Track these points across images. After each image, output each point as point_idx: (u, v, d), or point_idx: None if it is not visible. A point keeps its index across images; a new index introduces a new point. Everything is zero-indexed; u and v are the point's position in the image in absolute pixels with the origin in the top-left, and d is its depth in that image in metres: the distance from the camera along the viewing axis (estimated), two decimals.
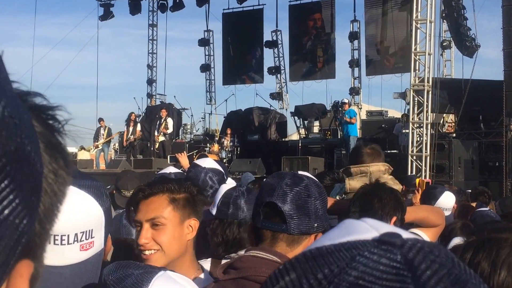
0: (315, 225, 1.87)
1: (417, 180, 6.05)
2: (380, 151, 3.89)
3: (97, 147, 20.96)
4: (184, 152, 6.99)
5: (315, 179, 1.97)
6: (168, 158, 18.06)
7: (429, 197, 5.14)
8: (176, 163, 7.83)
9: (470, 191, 8.13)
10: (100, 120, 21.23)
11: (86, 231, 1.47)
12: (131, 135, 20.64)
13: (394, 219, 2.82)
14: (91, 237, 1.49)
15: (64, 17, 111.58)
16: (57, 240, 1.43)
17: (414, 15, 15.67)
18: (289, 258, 1.79)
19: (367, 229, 0.65)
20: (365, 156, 3.69)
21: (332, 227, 2.43)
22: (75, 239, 1.45)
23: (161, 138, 20.20)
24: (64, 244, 1.44)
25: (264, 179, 2.09)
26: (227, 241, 2.58)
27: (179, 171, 4.43)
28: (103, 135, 20.81)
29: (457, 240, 3.15)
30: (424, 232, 3.40)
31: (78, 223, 1.45)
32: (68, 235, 1.44)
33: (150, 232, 2.07)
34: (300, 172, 1.98)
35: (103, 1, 28.03)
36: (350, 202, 2.91)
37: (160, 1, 28.14)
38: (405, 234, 0.62)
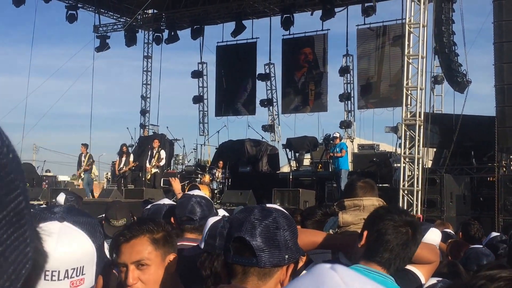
0: (286, 256, 1.86)
1: None
2: (374, 185, 3.83)
3: (80, 176, 20.84)
4: (178, 177, 6.97)
5: (284, 211, 1.97)
6: (161, 189, 18.05)
7: None
8: (169, 186, 7.82)
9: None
10: (82, 145, 20.95)
11: (77, 268, 1.45)
12: (123, 165, 20.51)
13: None
14: (82, 274, 1.46)
15: (60, 48, 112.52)
16: (47, 275, 1.40)
17: (406, 51, 15.79)
18: None
19: (338, 283, 0.64)
20: (358, 189, 3.64)
21: (325, 261, 2.35)
22: (66, 276, 1.43)
23: (154, 170, 20.09)
24: (54, 280, 1.41)
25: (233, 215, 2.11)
26: (216, 273, 2.58)
27: (173, 202, 4.41)
28: (83, 161, 20.66)
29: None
30: (418, 269, 3.33)
31: (70, 259, 1.43)
32: (59, 271, 1.41)
33: (136, 272, 2.17)
34: (268, 205, 1.98)
35: (100, 33, 28.30)
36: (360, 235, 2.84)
37: (155, 34, 28.45)
38: None
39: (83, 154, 20.72)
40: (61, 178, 27.72)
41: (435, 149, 19.92)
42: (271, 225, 1.86)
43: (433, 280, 3.34)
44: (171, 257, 2.26)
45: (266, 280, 1.86)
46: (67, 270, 1.43)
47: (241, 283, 1.86)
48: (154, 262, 2.19)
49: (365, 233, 2.66)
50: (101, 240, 1.53)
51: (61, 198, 6.30)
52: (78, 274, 1.45)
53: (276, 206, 2.00)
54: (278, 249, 1.85)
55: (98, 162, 23.60)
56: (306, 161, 23.21)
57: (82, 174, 20.56)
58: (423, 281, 3.35)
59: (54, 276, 1.41)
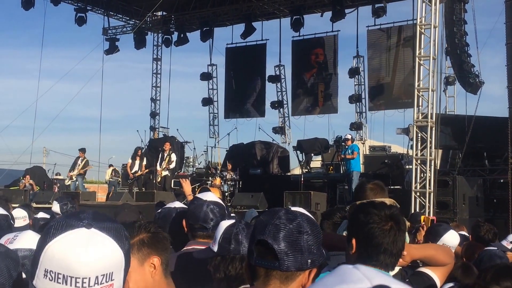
0: (309, 261, 1.87)
1: (422, 217, 5.98)
2: (383, 186, 3.96)
3: (71, 178, 21.04)
4: (188, 179, 6.88)
5: (309, 215, 1.97)
6: (172, 192, 18.08)
7: (433, 235, 5.07)
8: (180, 188, 7.77)
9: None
10: (80, 150, 21.33)
11: (107, 274, 1.48)
12: (138, 169, 20.86)
13: None
14: (111, 280, 1.49)
15: (70, 51, 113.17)
16: (78, 282, 1.44)
17: (417, 52, 15.68)
18: None
19: (361, 278, 0.69)
20: (368, 191, 3.77)
21: (340, 263, 2.31)
22: (96, 282, 1.46)
23: (164, 173, 20.19)
24: (85, 287, 1.45)
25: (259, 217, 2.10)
26: (229, 276, 2.60)
27: (184, 205, 4.36)
28: (79, 165, 20.87)
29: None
30: (432, 271, 3.33)
31: (99, 266, 1.46)
32: (89, 278, 1.45)
33: None
34: (293, 208, 1.98)
35: (109, 35, 28.38)
36: None
37: (165, 36, 28.48)
38: (395, 286, 0.66)
39: (80, 158, 20.98)
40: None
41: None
42: (295, 229, 1.88)
43: (449, 284, 3.32)
44: (154, 260, 2.25)
45: (288, 284, 1.88)
46: (97, 277, 1.46)
47: (263, 286, 1.89)
48: (131, 269, 2.15)
49: (354, 241, 2.65)
50: (128, 245, 1.56)
51: (56, 207, 6.25)
52: (107, 280, 1.48)
53: (301, 209, 1.99)
54: (301, 253, 1.86)
55: (108, 165, 23.70)
56: (317, 163, 23.15)
57: (74, 177, 20.81)
58: (438, 283, 3.34)
59: (85, 283, 1.44)
